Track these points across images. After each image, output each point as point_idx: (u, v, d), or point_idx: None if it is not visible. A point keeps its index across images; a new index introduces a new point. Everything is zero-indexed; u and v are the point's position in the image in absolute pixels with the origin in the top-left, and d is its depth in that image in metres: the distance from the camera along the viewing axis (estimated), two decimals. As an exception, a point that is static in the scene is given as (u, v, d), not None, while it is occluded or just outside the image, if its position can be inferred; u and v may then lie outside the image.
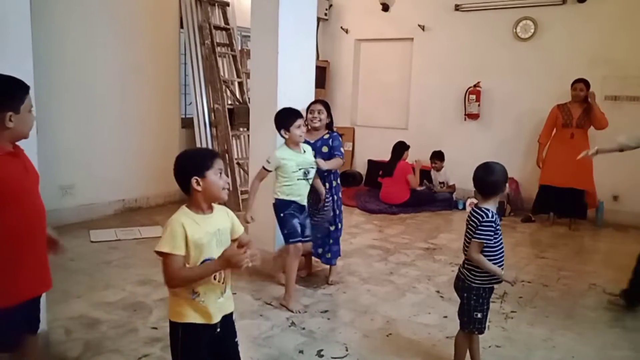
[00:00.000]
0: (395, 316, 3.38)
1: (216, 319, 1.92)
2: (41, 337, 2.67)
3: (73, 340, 2.90)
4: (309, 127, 3.76)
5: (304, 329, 3.16)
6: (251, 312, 3.32)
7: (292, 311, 3.36)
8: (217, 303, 1.92)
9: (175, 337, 1.90)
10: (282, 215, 3.42)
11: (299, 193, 3.42)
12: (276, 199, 3.43)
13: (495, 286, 2.54)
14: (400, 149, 6.62)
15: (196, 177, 1.85)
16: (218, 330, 1.95)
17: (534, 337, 3.16)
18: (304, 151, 3.44)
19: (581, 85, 5.64)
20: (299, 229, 3.41)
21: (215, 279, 1.89)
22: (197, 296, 1.86)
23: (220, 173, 1.89)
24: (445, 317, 3.37)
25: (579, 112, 5.66)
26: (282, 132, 3.37)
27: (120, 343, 2.88)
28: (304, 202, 3.47)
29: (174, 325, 1.90)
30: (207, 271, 1.84)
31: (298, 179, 3.39)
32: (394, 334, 3.14)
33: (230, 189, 1.89)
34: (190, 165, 1.89)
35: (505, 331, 3.22)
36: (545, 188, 5.85)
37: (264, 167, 3.39)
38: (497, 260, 2.44)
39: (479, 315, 2.51)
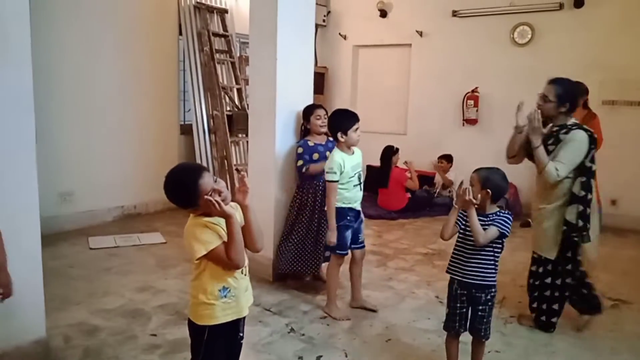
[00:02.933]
0: (395, 322, 3.38)
1: (246, 311, 2.00)
2: (41, 345, 2.68)
3: (72, 348, 2.89)
4: (312, 132, 3.79)
5: (303, 335, 3.15)
6: (250, 318, 3.28)
7: (335, 319, 3.35)
8: (245, 295, 1.99)
9: (199, 339, 1.93)
10: (337, 225, 3.30)
11: (356, 199, 3.35)
12: None
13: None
14: (388, 154, 6.51)
15: (191, 208, 1.89)
16: (240, 334, 2.03)
17: (534, 342, 3.16)
18: (353, 152, 3.36)
19: (579, 89, 5.67)
20: (348, 242, 3.35)
21: (242, 272, 1.97)
22: (228, 292, 1.91)
23: (213, 190, 1.82)
24: (445, 322, 3.36)
25: (578, 118, 5.67)
26: (339, 135, 3.22)
27: (120, 350, 2.88)
28: (359, 207, 3.40)
29: (199, 328, 1.93)
30: (233, 227, 1.82)
31: (354, 186, 3.30)
32: (393, 340, 3.14)
33: (229, 198, 1.88)
34: (180, 201, 1.89)
35: (505, 336, 3.22)
36: None
37: (331, 180, 3.19)
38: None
39: (447, 311, 2.57)
